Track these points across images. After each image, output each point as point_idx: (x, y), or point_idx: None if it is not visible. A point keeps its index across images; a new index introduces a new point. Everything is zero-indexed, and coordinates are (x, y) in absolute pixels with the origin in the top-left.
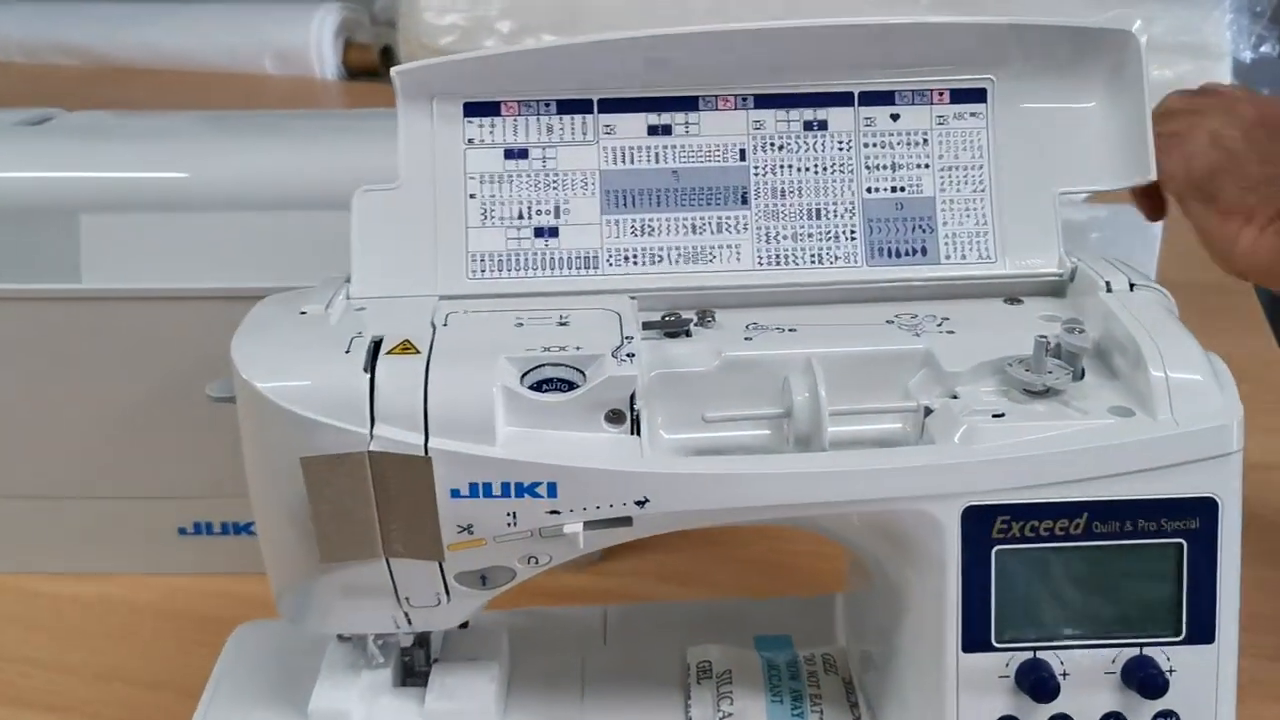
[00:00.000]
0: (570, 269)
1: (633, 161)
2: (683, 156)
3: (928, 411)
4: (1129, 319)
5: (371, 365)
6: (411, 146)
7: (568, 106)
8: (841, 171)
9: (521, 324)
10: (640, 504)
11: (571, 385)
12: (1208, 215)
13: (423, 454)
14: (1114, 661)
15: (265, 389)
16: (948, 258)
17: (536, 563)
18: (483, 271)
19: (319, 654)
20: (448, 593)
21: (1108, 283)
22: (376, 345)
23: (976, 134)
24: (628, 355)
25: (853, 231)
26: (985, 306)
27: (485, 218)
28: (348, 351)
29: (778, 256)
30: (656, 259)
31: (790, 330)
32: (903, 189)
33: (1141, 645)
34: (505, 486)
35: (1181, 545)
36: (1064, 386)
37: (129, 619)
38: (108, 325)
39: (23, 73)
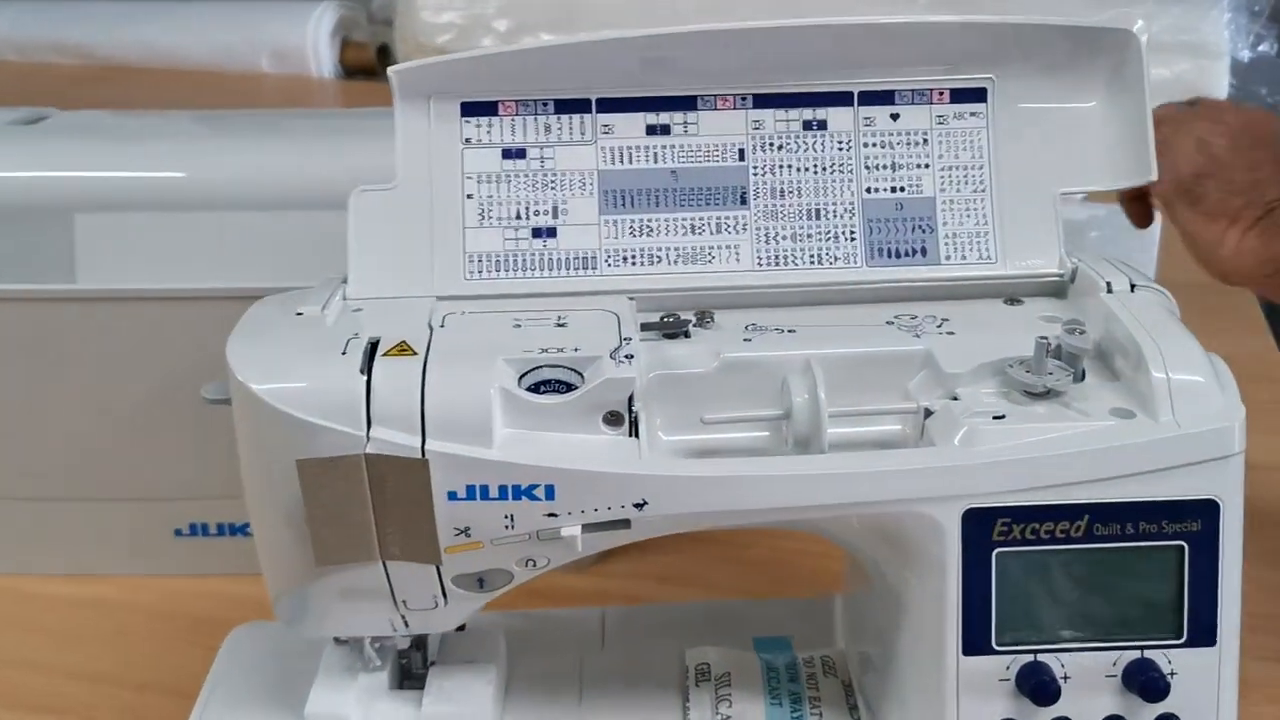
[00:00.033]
0: (568, 270)
1: (631, 161)
2: (681, 156)
3: (928, 413)
4: (1130, 320)
5: (368, 367)
6: (408, 146)
7: (566, 106)
8: (841, 171)
9: (519, 325)
10: (639, 506)
11: (569, 387)
12: (1193, 218)
13: (419, 456)
14: (1115, 664)
15: (260, 391)
16: (948, 258)
17: (534, 565)
18: (480, 272)
19: (315, 656)
20: (445, 595)
21: (1108, 283)
22: (373, 347)
23: (976, 134)
24: (626, 356)
25: (852, 232)
26: (985, 307)
27: (483, 218)
28: (344, 353)
29: (777, 257)
30: (655, 259)
31: (789, 331)
32: (902, 189)
33: (1143, 648)
34: (503, 489)
35: (1183, 548)
36: (1065, 388)
37: (124, 621)
38: (103, 326)
39: (17, 71)
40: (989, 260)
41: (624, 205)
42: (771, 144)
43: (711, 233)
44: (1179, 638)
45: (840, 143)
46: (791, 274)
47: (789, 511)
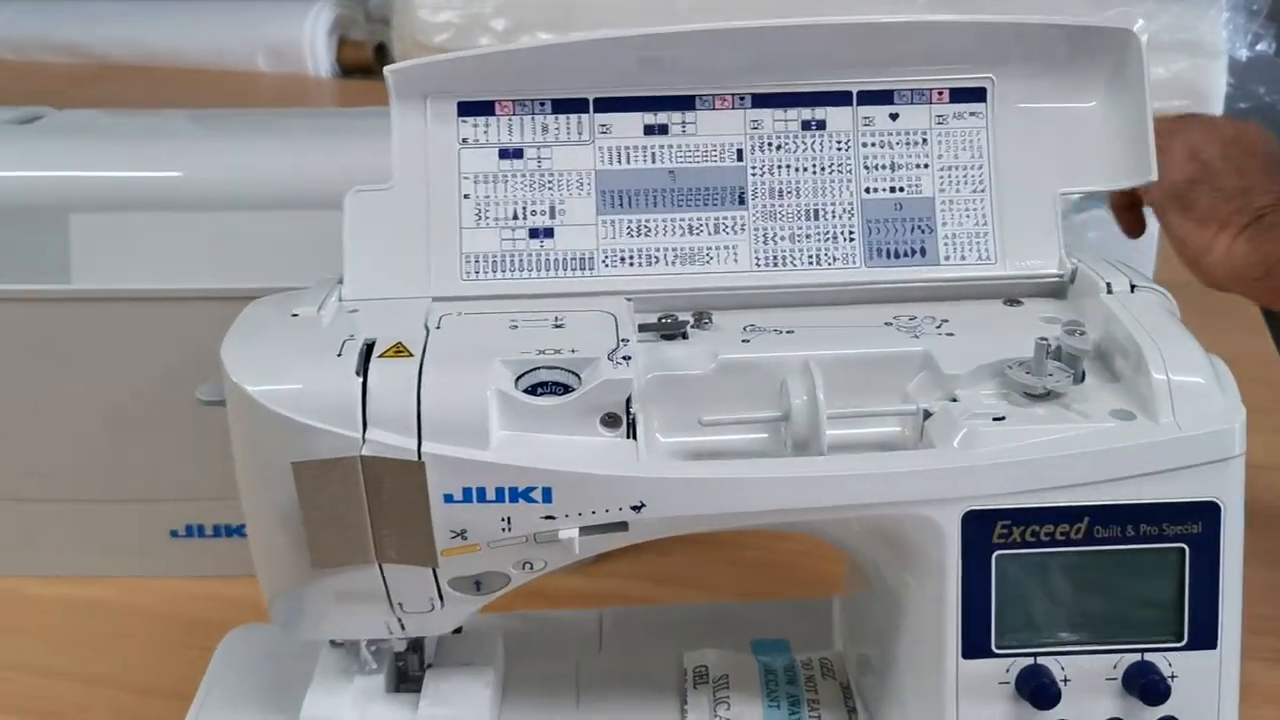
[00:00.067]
0: (565, 270)
1: (629, 161)
2: (679, 156)
3: (927, 415)
4: (1130, 321)
5: (364, 368)
6: (405, 146)
7: (563, 106)
8: (840, 171)
9: (516, 326)
10: (636, 509)
11: (567, 388)
12: (1184, 224)
13: (416, 458)
14: (1115, 667)
15: (256, 392)
16: (947, 259)
17: (531, 568)
18: (477, 273)
19: (311, 659)
20: (441, 598)
21: (1108, 284)
22: (369, 348)
23: (976, 133)
24: (624, 358)
25: (851, 232)
26: (985, 308)
27: (479, 218)
28: (340, 354)
29: (775, 257)
30: (653, 260)
31: (788, 332)
32: (902, 189)
33: (1143, 651)
34: (499, 491)
35: (1183, 550)
36: (1065, 389)
37: (120, 622)
38: (98, 326)
39: (12, 70)
40: (988, 261)
41: (621, 205)
42: (770, 144)
43: (709, 233)
44: (1179, 640)
45: (839, 143)
46: (790, 275)
47: (788, 514)
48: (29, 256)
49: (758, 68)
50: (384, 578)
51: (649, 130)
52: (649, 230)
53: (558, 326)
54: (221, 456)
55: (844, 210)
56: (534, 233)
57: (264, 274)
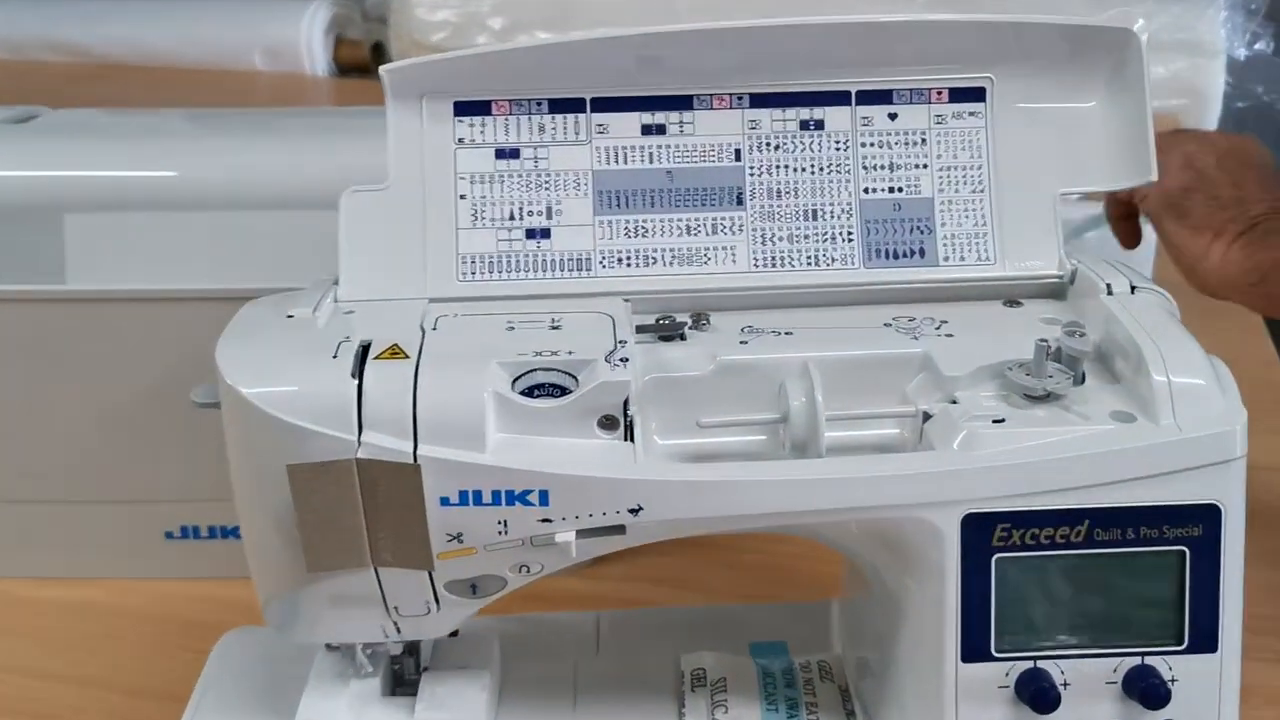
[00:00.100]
0: (562, 271)
1: (626, 161)
2: (677, 156)
3: (926, 417)
4: (1130, 322)
5: (359, 370)
6: (401, 146)
7: (560, 105)
8: (838, 172)
9: (512, 327)
10: (634, 512)
11: (564, 390)
12: (1180, 231)
13: (412, 461)
14: (1115, 671)
15: (250, 395)
16: (946, 259)
17: (528, 571)
18: (473, 274)
19: (307, 662)
20: (437, 602)
21: (1108, 285)
22: (364, 350)
23: (975, 133)
24: (621, 359)
25: (850, 233)
26: (984, 309)
27: (476, 219)
28: (335, 356)
29: (773, 258)
30: (650, 261)
31: (786, 334)
32: (900, 189)
33: (1143, 654)
34: (496, 494)
35: (1184, 553)
36: (1065, 391)
37: (114, 624)
38: (93, 327)
39: (8, 69)
40: (988, 261)
41: (619, 206)
42: (768, 144)
43: (707, 234)
44: (1180, 644)
45: (838, 142)
46: (788, 275)
47: (786, 517)
48: (23, 256)
49: (756, 67)
50: (379, 581)
51: (646, 130)
52: (646, 231)
53: (555, 328)
54: (217, 457)
55: (842, 211)
56: (531, 233)
57: (261, 274)
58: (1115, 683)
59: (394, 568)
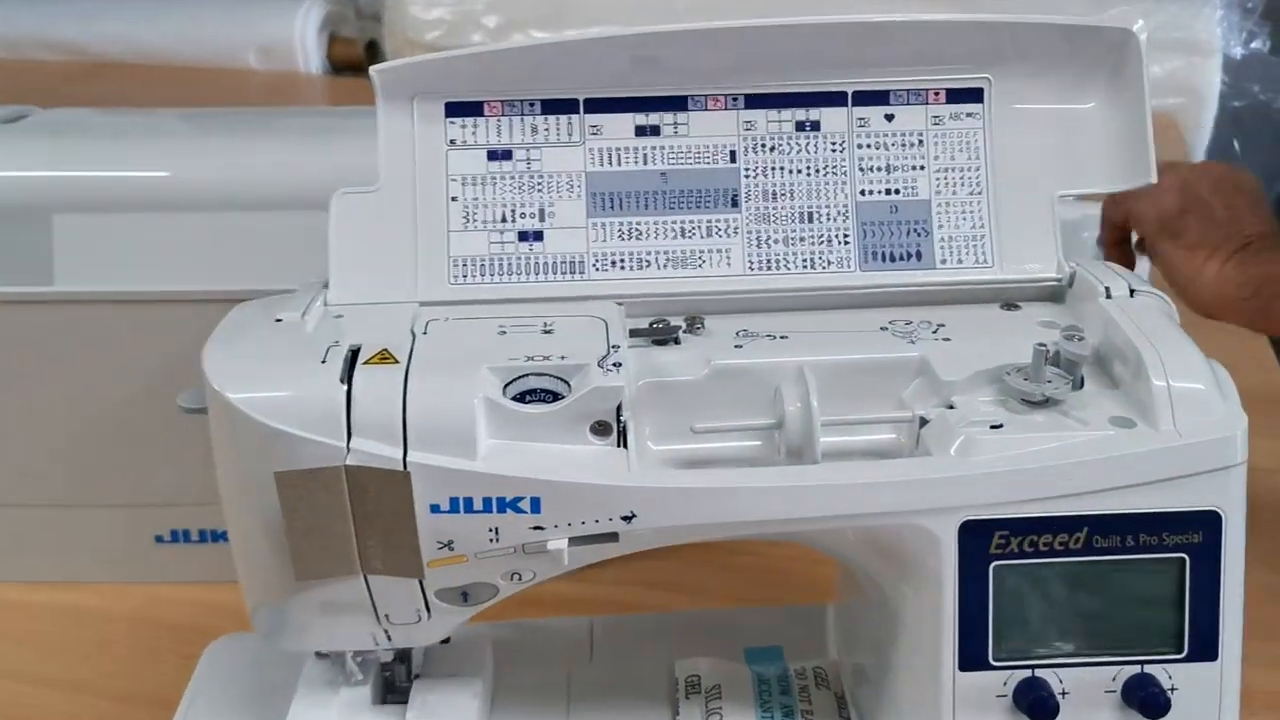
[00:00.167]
0: (555, 274)
1: (620, 163)
2: (671, 158)
3: (923, 422)
4: (1129, 326)
5: (348, 376)
6: (392, 147)
7: (553, 106)
8: (834, 173)
9: (504, 332)
10: (627, 519)
11: (556, 396)
12: (1175, 251)
13: (401, 468)
14: (1114, 679)
15: (237, 400)
16: (943, 262)
17: (519, 579)
18: (464, 277)
19: (297, 669)
20: (428, 609)
21: (1107, 288)
22: (354, 354)
23: (973, 135)
24: (614, 364)
25: (846, 235)
26: (982, 313)
27: (467, 221)
28: (324, 361)
29: (769, 261)
30: (644, 264)
31: (781, 338)
32: (897, 191)
33: (1143, 663)
34: (487, 501)
35: (1184, 560)
36: (1063, 396)
37: (104, 629)
38: (82, 329)
39: (3, 68)
40: (985, 264)
41: (612, 208)
42: (763, 145)
43: (702, 236)
44: (1180, 652)
45: (834, 144)
46: (783, 278)
47: (781, 523)
48: (11, 257)
49: (751, 68)
50: (369, 589)
51: (640, 131)
52: (640, 233)
53: (547, 332)
54: (206, 461)
55: (839, 213)
56: (523, 236)
57: (251, 276)
58: (1114, 692)
59: (384, 575)
